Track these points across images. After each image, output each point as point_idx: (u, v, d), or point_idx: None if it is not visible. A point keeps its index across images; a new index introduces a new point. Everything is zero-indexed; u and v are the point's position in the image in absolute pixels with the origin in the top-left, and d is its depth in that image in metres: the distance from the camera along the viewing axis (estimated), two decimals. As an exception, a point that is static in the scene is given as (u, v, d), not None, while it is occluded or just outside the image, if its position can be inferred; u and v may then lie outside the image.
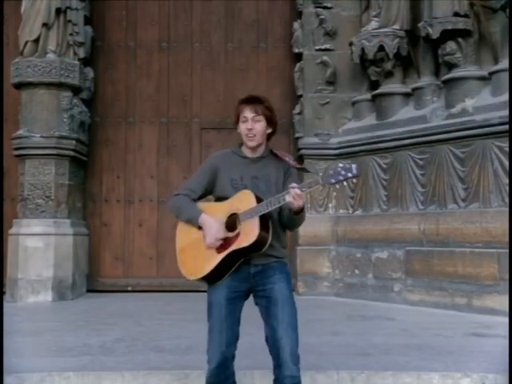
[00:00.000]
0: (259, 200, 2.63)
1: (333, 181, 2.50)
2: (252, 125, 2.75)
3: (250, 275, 2.71)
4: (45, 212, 7.14)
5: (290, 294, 2.72)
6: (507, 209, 5.71)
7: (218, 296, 2.71)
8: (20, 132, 7.22)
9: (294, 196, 2.52)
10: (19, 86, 7.32)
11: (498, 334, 4.73)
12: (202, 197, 2.85)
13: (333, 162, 7.31)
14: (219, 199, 2.80)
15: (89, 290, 7.69)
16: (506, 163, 5.82)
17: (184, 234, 2.82)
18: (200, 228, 2.72)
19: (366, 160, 7.10)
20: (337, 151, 7.40)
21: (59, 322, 5.55)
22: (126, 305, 6.75)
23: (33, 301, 6.87)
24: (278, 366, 2.62)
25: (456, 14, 6.30)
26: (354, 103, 7.56)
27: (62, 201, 7.26)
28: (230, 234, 2.66)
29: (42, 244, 7.00)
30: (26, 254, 6.97)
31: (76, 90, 7.49)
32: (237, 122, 2.83)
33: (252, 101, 2.82)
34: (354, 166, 2.51)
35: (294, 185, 2.56)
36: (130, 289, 7.82)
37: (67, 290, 7.13)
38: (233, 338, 2.69)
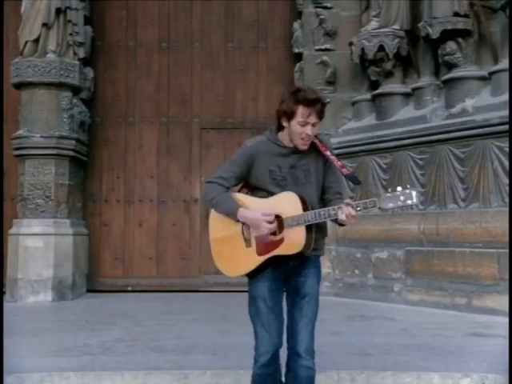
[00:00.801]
0: (304, 202, 2.57)
1: (391, 205, 2.40)
2: (312, 131, 2.60)
3: (290, 267, 2.70)
4: (45, 212, 7.14)
5: (318, 290, 2.74)
6: (507, 209, 5.71)
7: (261, 289, 2.69)
8: (20, 132, 7.22)
9: (347, 215, 2.46)
10: (19, 85, 7.32)
11: (497, 334, 4.72)
12: (235, 185, 2.77)
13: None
14: (255, 189, 2.72)
15: (89, 290, 7.69)
16: (506, 163, 5.82)
17: (220, 225, 2.74)
18: (238, 221, 2.66)
19: (365, 160, 7.10)
20: (337, 151, 7.35)
21: (59, 322, 5.56)
22: (126, 305, 6.75)
23: (33, 301, 6.87)
24: (293, 356, 2.65)
25: (456, 14, 6.31)
26: (353, 103, 7.56)
27: (62, 201, 7.26)
28: (274, 238, 2.61)
29: (41, 244, 7.00)
30: (26, 254, 6.97)
31: (76, 90, 7.49)
32: (287, 117, 2.61)
33: (315, 102, 2.57)
34: (414, 193, 2.36)
35: (348, 201, 2.49)
36: (130, 289, 7.82)
37: (67, 290, 7.13)
38: (282, 328, 2.71)
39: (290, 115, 2.59)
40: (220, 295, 7.13)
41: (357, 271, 7.06)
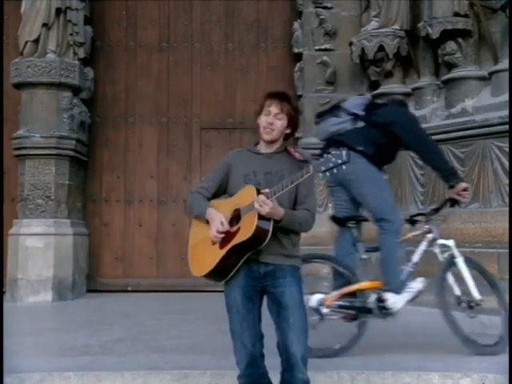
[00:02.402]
0: (260, 193, 2.61)
1: (323, 168, 2.45)
2: (273, 120, 2.74)
3: (261, 275, 2.70)
4: (45, 212, 7.14)
5: (301, 297, 2.71)
6: (507, 209, 5.71)
7: (234, 297, 2.71)
8: (20, 132, 7.22)
9: (260, 203, 2.52)
10: (19, 86, 7.33)
11: (497, 333, 4.71)
12: (216, 194, 2.85)
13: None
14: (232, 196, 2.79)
15: (89, 290, 7.68)
16: (506, 163, 5.82)
17: (196, 232, 2.85)
18: (208, 223, 2.73)
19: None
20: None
21: (59, 322, 5.56)
22: (126, 305, 6.75)
23: (33, 301, 6.87)
24: (288, 369, 2.62)
25: (456, 14, 6.31)
26: (353, 103, 7.56)
27: (62, 201, 7.26)
28: (232, 229, 2.66)
29: (42, 244, 7.00)
30: (26, 253, 6.97)
31: (76, 90, 7.49)
32: (259, 113, 2.79)
33: (280, 97, 2.76)
34: (344, 152, 2.43)
35: (265, 190, 2.56)
36: (129, 289, 7.82)
37: (67, 290, 7.13)
38: (257, 336, 2.70)
39: (259, 110, 2.78)
40: (220, 295, 7.10)
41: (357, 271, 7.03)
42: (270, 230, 2.60)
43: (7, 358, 3.37)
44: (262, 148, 2.82)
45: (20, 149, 7.20)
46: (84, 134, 7.74)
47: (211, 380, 3.59)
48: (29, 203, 7.13)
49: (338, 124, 4.20)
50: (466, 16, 6.32)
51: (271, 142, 2.79)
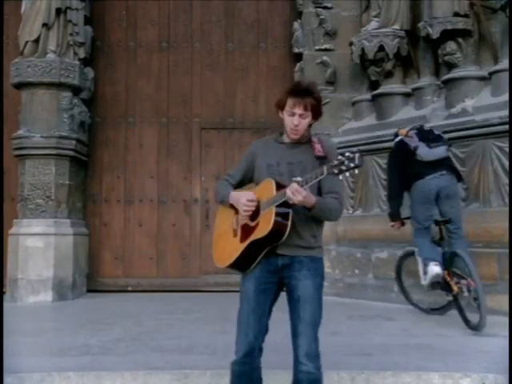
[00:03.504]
0: (280, 187, 2.61)
1: (335, 171, 2.45)
2: (299, 121, 2.70)
3: (279, 267, 2.71)
4: (45, 212, 7.14)
5: (315, 291, 2.70)
6: (507, 209, 5.71)
7: (247, 287, 2.73)
8: (20, 132, 7.22)
9: (292, 191, 2.51)
10: (19, 86, 7.33)
11: (498, 333, 4.72)
12: (242, 182, 2.87)
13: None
14: (258, 184, 2.79)
15: (89, 290, 7.68)
16: (506, 163, 5.82)
17: (220, 222, 2.89)
18: (232, 207, 2.75)
19: (366, 160, 7.08)
20: (337, 151, 7.38)
21: (59, 322, 5.56)
22: (126, 305, 6.75)
23: (33, 301, 6.87)
24: (294, 361, 2.65)
25: (456, 14, 6.31)
26: (353, 103, 7.57)
27: (62, 201, 7.27)
28: (251, 224, 2.67)
29: (42, 244, 7.00)
30: (26, 253, 6.97)
31: (76, 90, 7.49)
32: (279, 108, 2.74)
33: (303, 94, 2.68)
34: (357, 155, 2.42)
35: (297, 178, 2.54)
36: (130, 289, 7.82)
37: (67, 290, 7.13)
38: (260, 330, 2.71)
39: (281, 106, 2.74)
40: (220, 295, 7.13)
41: (357, 271, 7.05)
42: (289, 224, 2.59)
43: (7, 358, 3.37)
44: (286, 137, 2.81)
45: (20, 149, 7.20)
46: (84, 134, 7.74)
47: (211, 380, 3.59)
48: (29, 203, 7.13)
49: (447, 151, 5.51)
50: (466, 16, 6.32)
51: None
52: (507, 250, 5.50)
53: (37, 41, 7.22)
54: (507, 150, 5.79)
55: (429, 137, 5.47)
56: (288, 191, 2.52)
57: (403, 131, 5.65)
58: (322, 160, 2.60)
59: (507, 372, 3.32)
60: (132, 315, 5.90)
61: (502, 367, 3.49)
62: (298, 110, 2.69)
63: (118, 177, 8.06)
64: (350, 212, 7.28)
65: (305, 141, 2.78)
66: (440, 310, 5.68)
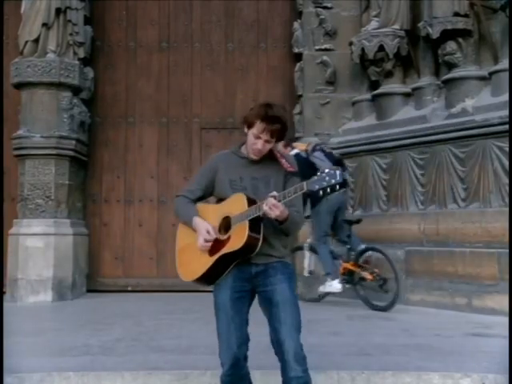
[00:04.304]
0: (251, 202, 2.62)
1: (316, 187, 2.44)
2: (263, 146, 2.71)
3: (252, 275, 2.71)
4: (45, 212, 7.14)
5: (292, 294, 2.71)
6: (507, 209, 5.71)
7: (222, 298, 2.73)
8: (20, 132, 7.22)
9: (270, 206, 2.51)
10: (19, 85, 7.33)
11: (497, 333, 4.72)
12: (203, 197, 2.85)
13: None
14: (219, 200, 2.80)
15: (89, 290, 7.68)
16: (506, 163, 5.82)
17: (183, 236, 2.85)
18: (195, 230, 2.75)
19: (366, 160, 7.10)
20: (337, 151, 7.38)
21: (59, 322, 5.56)
22: (126, 305, 6.75)
23: (33, 301, 6.87)
24: (283, 367, 2.62)
25: (456, 14, 6.30)
26: (353, 103, 7.56)
27: (62, 201, 7.26)
28: (222, 237, 2.67)
29: (42, 244, 7.00)
30: (26, 254, 6.97)
31: (76, 90, 7.49)
32: (247, 125, 2.76)
33: (273, 122, 2.67)
34: (338, 172, 2.43)
35: (273, 193, 2.54)
36: (130, 289, 7.82)
37: (67, 290, 7.13)
38: (242, 339, 2.70)
39: (250, 125, 2.76)
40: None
41: (357, 271, 7.03)
42: (261, 238, 2.62)
43: (7, 358, 3.37)
44: (247, 152, 2.80)
45: (20, 149, 7.20)
46: (84, 134, 7.74)
47: (211, 380, 3.59)
48: (29, 203, 7.12)
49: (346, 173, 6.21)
50: (466, 16, 6.32)
51: None
52: (507, 250, 5.50)
53: (37, 41, 7.22)
54: (507, 149, 5.79)
55: (331, 159, 6.35)
56: (265, 206, 2.52)
57: (302, 146, 6.41)
58: (293, 175, 2.67)
59: (507, 372, 3.32)
60: (132, 315, 5.90)
61: (502, 367, 3.48)
62: (265, 136, 2.69)
63: (118, 177, 8.06)
64: (350, 212, 7.28)
65: (266, 155, 2.78)
66: (317, 299, 6.66)
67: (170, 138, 8.12)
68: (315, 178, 2.46)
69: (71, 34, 7.39)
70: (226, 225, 2.68)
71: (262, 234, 2.62)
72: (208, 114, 8.11)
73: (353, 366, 3.75)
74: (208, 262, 2.69)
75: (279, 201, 2.52)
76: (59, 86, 7.27)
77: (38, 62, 7.19)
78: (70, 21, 7.34)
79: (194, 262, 2.76)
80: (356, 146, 7.22)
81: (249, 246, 2.60)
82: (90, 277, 7.81)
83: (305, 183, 2.47)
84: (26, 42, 7.23)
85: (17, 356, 3.86)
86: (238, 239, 2.60)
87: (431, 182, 6.47)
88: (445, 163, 6.33)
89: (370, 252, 6.40)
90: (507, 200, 5.76)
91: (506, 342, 3.93)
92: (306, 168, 5.85)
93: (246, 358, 2.72)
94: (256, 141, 2.71)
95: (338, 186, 2.44)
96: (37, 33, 7.19)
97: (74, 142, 7.33)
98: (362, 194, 7.19)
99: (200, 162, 8.04)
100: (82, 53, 7.55)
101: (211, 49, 8.22)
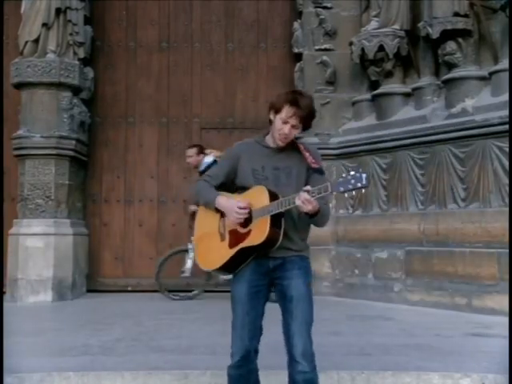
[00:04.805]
0: (273, 195, 2.61)
1: (341, 189, 2.45)
2: (290, 131, 2.69)
3: (270, 269, 2.72)
4: (45, 212, 7.14)
5: (307, 290, 2.71)
6: (507, 209, 5.71)
7: (239, 291, 2.72)
8: (20, 132, 7.22)
9: (302, 200, 2.50)
10: (19, 86, 7.33)
11: (498, 333, 4.72)
12: (224, 184, 2.83)
13: (333, 162, 7.32)
14: (241, 188, 2.78)
15: (89, 290, 7.68)
16: (506, 163, 5.82)
17: (201, 224, 2.86)
18: (217, 211, 2.74)
19: (366, 160, 7.10)
20: (337, 151, 7.40)
21: (59, 322, 5.56)
22: (126, 305, 6.75)
23: (33, 301, 6.87)
24: (290, 362, 2.64)
25: (456, 14, 6.30)
26: (353, 103, 7.56)
27: (62, 201, 7.27)
28: (242, 230, 2.67)
29: (41, 244, 7.00)
30: (26, 254, 6.97)
31: (76, 90, 7.49)
32: (274, 111, 2.70)
33: (302, 106, 2.66)
34: (364, 175, 2.42)
35: (307, 187, 2.53)
36: (130, 289, 7.82)
37: (67, 290, 7.13)
38: (255, 332, 2.71)
39: (277, 110, 2.69)
40: (220, 295, 7.13)
41: (357, 271, 7.05)
42: (282, 233, 2.62)
43: (7, 358, 3.37)
44: (271, 141, 2.79)
45: (20, 149, 7.20)
46: (84, 134, 7.74)
47: (211, 380, 3.59)
48: (29, 203, 7.13)
49: None
50: (466, 16, 6.32)
51: None
52: (507, 250, 5.50)
53: (37, 41, 7.22)
54: (507, 149, 5.79)
55: None
56: (297, 200, 2.51)
57: (217, 152, 6.34)
58: (316, 171, 2.66)
59: (507, 372, 3.32)
60: (132, 315, 5.90)
61: (502, 367, 3.48)
62: (293, 121, 2.67)
63: (118, 177, 8.06)
64: (350, 212, 7.29)
65: (289, 145, 2.77)
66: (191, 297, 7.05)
67: (170, 138, 8.12)
68: (340, 179, 2.46)
69: (71, 34, 7.39)
70: (247, 217, 2.67)
71: (282, 230, 2.62)
72: (208, 114, 8.11)
73: (353, 365, 3.75)
74: (227, 254, 2.69)
75: (312, 196, 2.51)
76: (59, 86, 7.27)
77: (38, 62, 7.19)
78: (70, 21, 7.34)
79: (213, 252, 2.76)
80: (356, 145, 7.22)
81: (270, 241, 2.60)
82: (90, 277, 7.81)
83: (329, 185, 2.47)
84: (26, 42, 7.23)
85: (17, 356, 3.86)
86: (259, 234, 2.60)
87: (431, 181, 6.47)
88: (445, 163, 6.33)
89: None
90: (507, 200, 5.77)
91: (506, 342, 3.93)
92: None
93: (256, 351, 2.73)
94: (283, 126, 2.68)
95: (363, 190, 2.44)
96: (37, 33, 7.19)
97: (74, 141, 7.33)
98: (361, 194, 7.19)
99: (200, 162, 8.04)
100: (82, 53, 7.55)
101: (211, 49, 8.22)
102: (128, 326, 5.28)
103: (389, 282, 6.67)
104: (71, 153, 7.34)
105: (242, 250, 2.66)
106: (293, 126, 2.68)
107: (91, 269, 7.83)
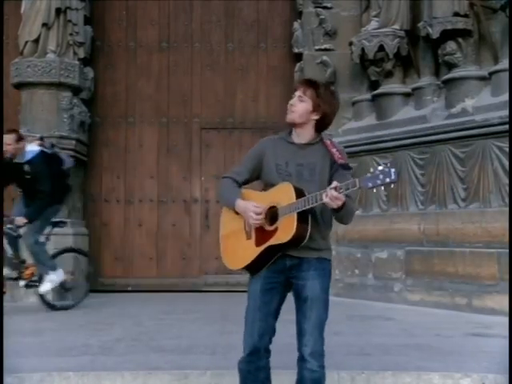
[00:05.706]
0: (298, 192, 2.60)
1: (370, 185, 2.43)
2: (295, 101, 2.77)
3: (286, 267, 2.71)
4: (45, 212, 7.12)
5: (322, 291, 2.70)
6: (507, 209, 5.71)
7: (253, 287, 2.73)
8: (20, 132, 7.20)
9: (330, 197, 2.49)
10: (19, 86, 7.33)
11: (498, 333, 4.72)
12: (249, 180, 2.85)
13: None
14: (267, 185, 2.78)
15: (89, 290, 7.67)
16: (506, 163, 5.82)
17: (227, 221, 2.85)
18: (237, 213, 2.74)
19: (366, 160, 7.09)
20: (337, 151, 7.38)
21: (59, 322, 5.55)
22: (126, 305, 6.75)
23: (33, 301, 6.86)
24: (299, 360, 2.66)
25: (456, 14, 6.30)
26: (353, 103, 7.56)
27: (62, 201, 7.25)
28: (269, 228, 2.66)
29: (41, 244, 6.98)
30: (26, 253, 6.94)
31: (76, 90, 7.49)
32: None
33: (306, 83, 2.81)
34: (393, 170, 2.40)
35: (334, 184, 2.52)
36: (130, 289, 7.83)
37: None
38: (266, 330, 2.71)
39: (293, 91, 2.85)
40: (220, 295, 7.13)
41: (357, 271, 7.05)
42: (309, 230, 2.60)
43: (7, 358, 3.36)
44: (295, 137, 2.80)
45: (20, 149, 7.18)
46: (84, 133, 7.74)
47: (211, 380, 3.59)
48: (29, 203, 7.11)
49: None
50: (466, 16, 6.32)
51: (298, 128, 2.77)
52: (507, 250, 5.50)
53: (37, 41, 7.23)
54: (507, 149, 5.79)
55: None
56: (325, 197, 2.50)
57: (35, 142, 6.14)
58: (343, 167, 2.64)
59: (507, 372, 3.32)
60: (132, 315, 5.90)
61: (502, 367, 3.48)
62: (298, 93, 2.78)
63: (118, 177, 8.06)
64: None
65: (315, 142, 2.78)
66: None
67: (169, 137, 8.12)
68: (368, 174, 2.44)
69: (71, 34, 7.39)
70: (271, 214, 2.66)
71: (309, 226, 2.60)
72: (208, 113, 8.12)
73: (353, 365, 3.75)
74: (254, 252, 2.69)
75: (340, 192, 2.50)
76: (59, 86, 7.27)
77: (37, 62, 7.20)
78: (70, 21, 7.34)
79: (239, 250, 2.76)
80: (356, 146, 7.21)
81: (297, 238, 2.59)
82: (90, 277, 7.79)
83: (357, 180, 2.46)
84: (26, 42, 7.23)
85: (17, 356, 3.86)
86: (286, 231, 2.59)
87: (431, 181, 6.47)
88: (445, 163, 6.33)
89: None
90: (507, 200, 5.77)
91: (506, 342, 3.92)
92: (55, 164, 6.09)
93: (267, 350, 2.73)
94: (291, 99, 2.80)
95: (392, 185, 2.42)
96: (37, 33, 7.20)
97: (73, 141, 7.33)
98: (361, 193, 7.18)
99: (200, 162, 8.05)
100: (82, 53, 7.55)
101: (211, 49, 8.22)
102: (128, 325, 5.28)
103: (389, 282, 6.68)
104: (71, 153, 7.31)
105: (268, 247, 2.65)
106: (298, 98, 2.76)
107: (91, 269, 7.81)
